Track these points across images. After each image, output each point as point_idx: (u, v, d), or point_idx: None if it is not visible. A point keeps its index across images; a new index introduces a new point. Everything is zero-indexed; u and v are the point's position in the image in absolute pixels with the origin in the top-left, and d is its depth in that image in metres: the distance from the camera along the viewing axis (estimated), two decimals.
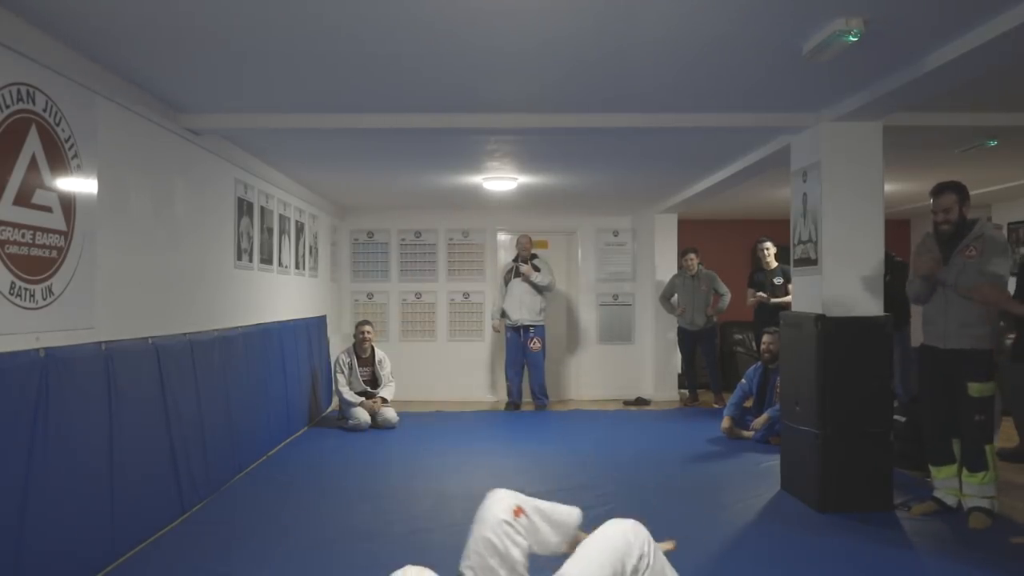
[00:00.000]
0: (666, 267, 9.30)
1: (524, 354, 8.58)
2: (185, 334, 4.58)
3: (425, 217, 9.56)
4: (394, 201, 8.87)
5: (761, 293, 7.88)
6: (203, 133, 4.85)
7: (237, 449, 5.38)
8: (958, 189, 4.28)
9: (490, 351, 9.52)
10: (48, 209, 3.27)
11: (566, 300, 9.74)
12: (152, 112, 4.24)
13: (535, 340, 8.54)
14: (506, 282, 8.72)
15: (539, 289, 8.56)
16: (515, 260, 8.74)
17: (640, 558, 2.50)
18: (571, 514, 2.84)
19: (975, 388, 4.18)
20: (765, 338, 6.93)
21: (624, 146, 5.77)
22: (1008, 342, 5.94)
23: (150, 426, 4.11)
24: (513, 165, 6.53)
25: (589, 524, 4.31)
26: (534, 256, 8.72)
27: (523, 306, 8.55)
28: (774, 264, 7.96)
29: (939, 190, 4.31)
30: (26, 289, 3.10)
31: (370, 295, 9.63)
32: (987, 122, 4.94)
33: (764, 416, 6.59)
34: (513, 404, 8.64)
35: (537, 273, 8.54)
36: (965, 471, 4.28)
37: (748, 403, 6.96)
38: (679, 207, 8.78)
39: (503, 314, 8.72)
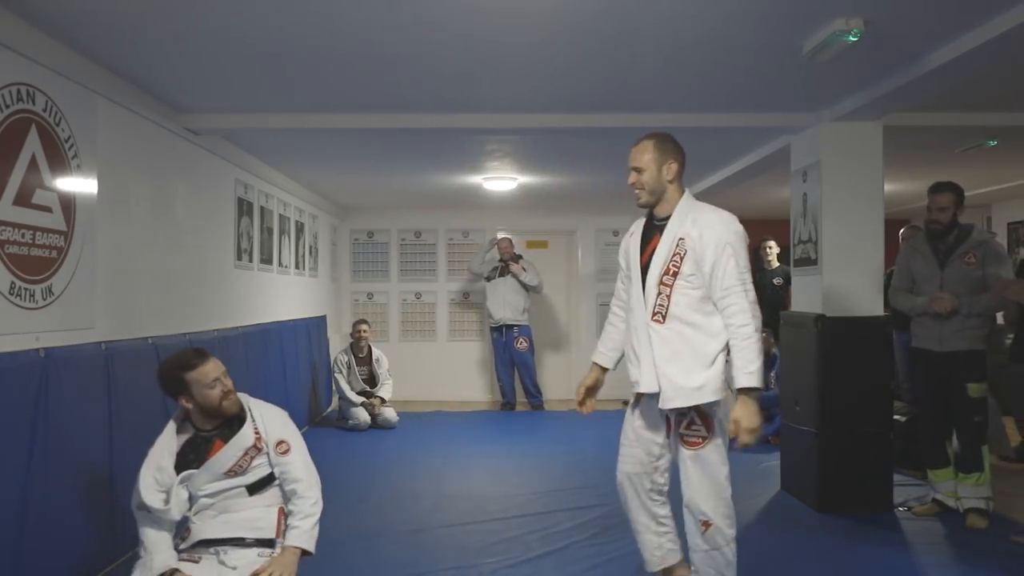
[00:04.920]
0: None
1: (511, 354, 8.56)
2: (185, 334, 4.58)
3: (425, 217, 9.56)
4: (394, 201, 8.87)
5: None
6: (203, 133, 4.85)
7: None
8: (956, 190, 4.27)
9: (490, 351, 9.51)
10: (48, 209, 3.27)
11: (565, 300, 9.74)
12: (152, 112, 4.24)
13: (521, 340, 8.50)
14: (488, 279, 8.67)
15: (527, 288, 8.52)
16: (500, 261, 8.69)
17: None
18: None
19: (974, 388, 4.17)
20: None
21: (624, 146, 5.74)
22: (1007, 342, 5.95)
23: (150, 426, 4.09)
24: (513, 165, 6.53)
25: (589, 524, 4.33)
26: (519, 256, 8.68)
27: (507, 305, 8.49)
28: (775, 264, 7.95)
29: (938, 188, 4.29)
30: (26, 289, 3.11)
31: (370, 295, 9.63)
32: (987, 122, 4.94)
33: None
34: (508, 404, 8.63)
35: (526, 273, 8.50)
36: (960, 473, 4.28)
37: None
38: None
39: (488, 314, 8.70)
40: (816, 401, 4.58)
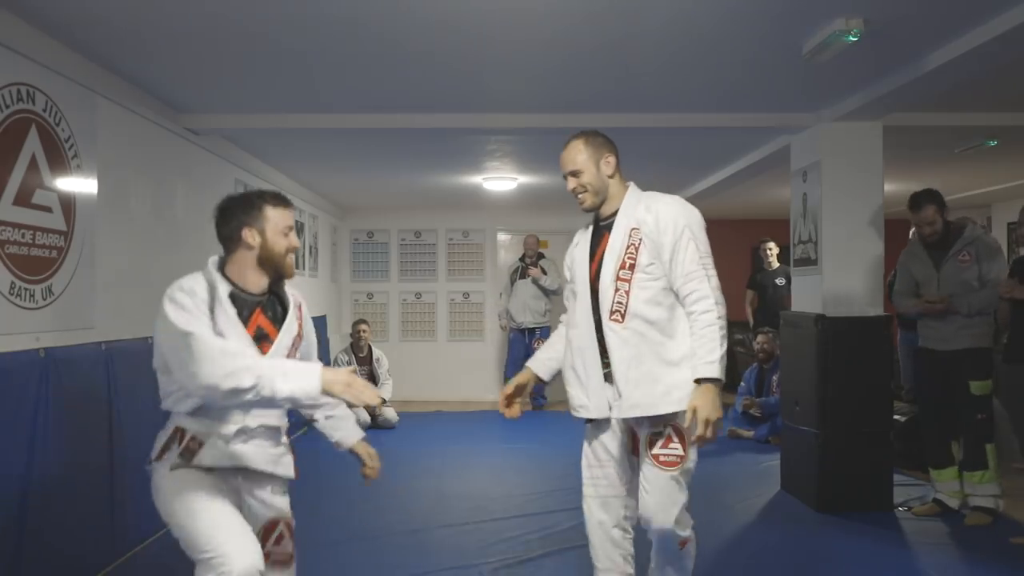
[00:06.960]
0: None
1: (527, 356, 8.54)
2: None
3: (425, 217, 9.56)
4: (394, 201, 8.87)
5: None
6: (203, 133, 4.85)
7: None
8: (935, 198, 4.26)
9: (490, 351, 9.52)
10: (48, 209, 3.26)
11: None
12: (152, 112, 4.24)
13: (539, 342, 8.51)
14: (511, 282, 8.67)
15: (546, 292, 8.53)
16: (521, 260, 8.69)
17: None
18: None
19: (976, 386, 4.17)
20: (759, 338, 6.98)
21: (624, 146, 5.69)
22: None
23: (150, 426, 4.09)
24: (513, 165, 6.53)
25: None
26: (541, 256, 8.67)
27: (527, 309, 8.50)
28: (776, 265, 7.93)
29: (917, 203, 4.27)
30: (26, 289, 3.10)
31: (370, 295, 9.63)
32: (987, 122, 4.94)
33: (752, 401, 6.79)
34: None
35: (545, 276, 8.50)
36: (965, 471, 4.28)
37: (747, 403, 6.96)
38: None
39: (508, 315, 8.71)
40: (816, 401, 4.57)
